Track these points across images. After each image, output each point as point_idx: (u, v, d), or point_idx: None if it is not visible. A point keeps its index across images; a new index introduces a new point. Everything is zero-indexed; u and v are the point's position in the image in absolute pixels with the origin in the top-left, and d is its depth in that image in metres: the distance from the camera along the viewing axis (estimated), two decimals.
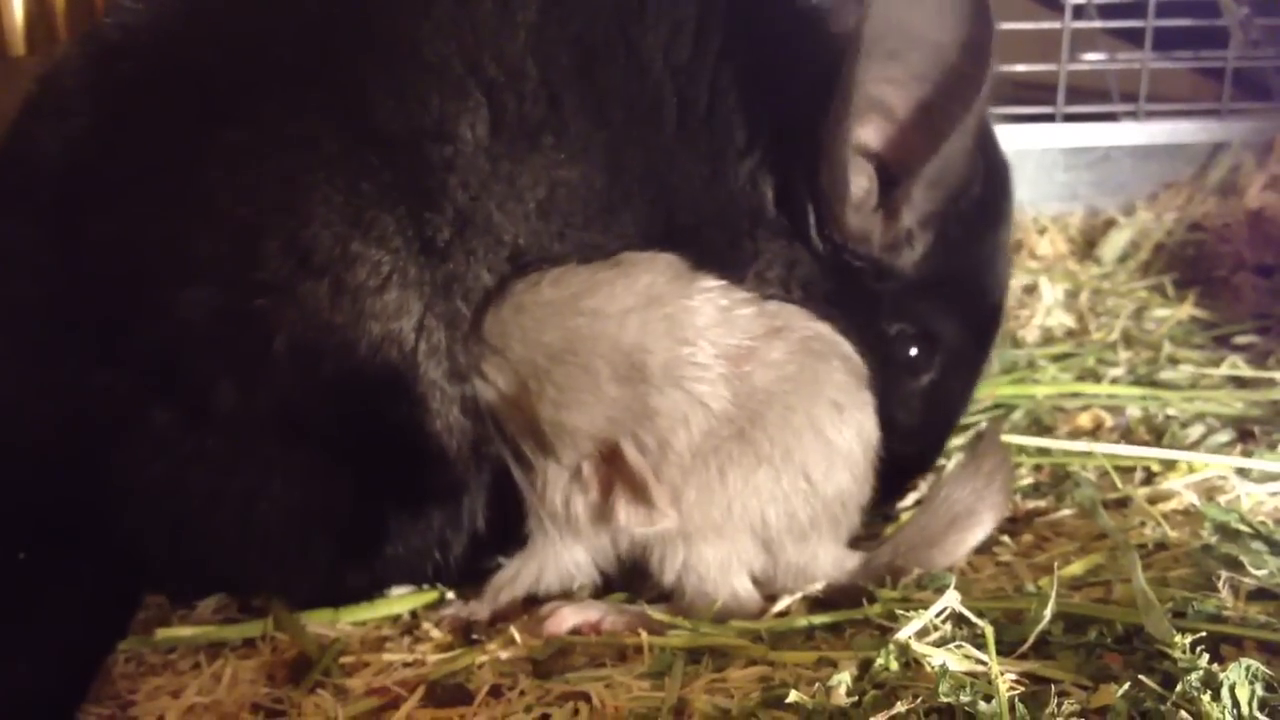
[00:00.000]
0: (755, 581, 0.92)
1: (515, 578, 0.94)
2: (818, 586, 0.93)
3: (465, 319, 0.90)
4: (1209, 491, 1.03)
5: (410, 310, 0.88)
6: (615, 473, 0.87)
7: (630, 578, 0.96)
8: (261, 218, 0.87)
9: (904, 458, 1.00)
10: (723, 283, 0.90)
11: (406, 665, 0.89)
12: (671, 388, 0.86)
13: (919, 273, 0.98)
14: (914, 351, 0.99)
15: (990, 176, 0.99)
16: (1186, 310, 1.44)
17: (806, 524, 0.91)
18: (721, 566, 0.91)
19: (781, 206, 0.96)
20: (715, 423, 0.88)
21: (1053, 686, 0.73)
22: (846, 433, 0.91)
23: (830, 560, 0.93)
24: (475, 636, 0.92)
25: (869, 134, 0.94)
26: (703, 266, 0.91)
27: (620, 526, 0.88)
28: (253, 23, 0.93)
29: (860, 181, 0.94)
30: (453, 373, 0.90)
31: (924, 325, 1.00)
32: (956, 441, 1.15)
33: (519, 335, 0.87)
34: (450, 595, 0.99)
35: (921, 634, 0.78)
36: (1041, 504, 1.07)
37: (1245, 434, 1.16)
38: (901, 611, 0.81)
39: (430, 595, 0.99)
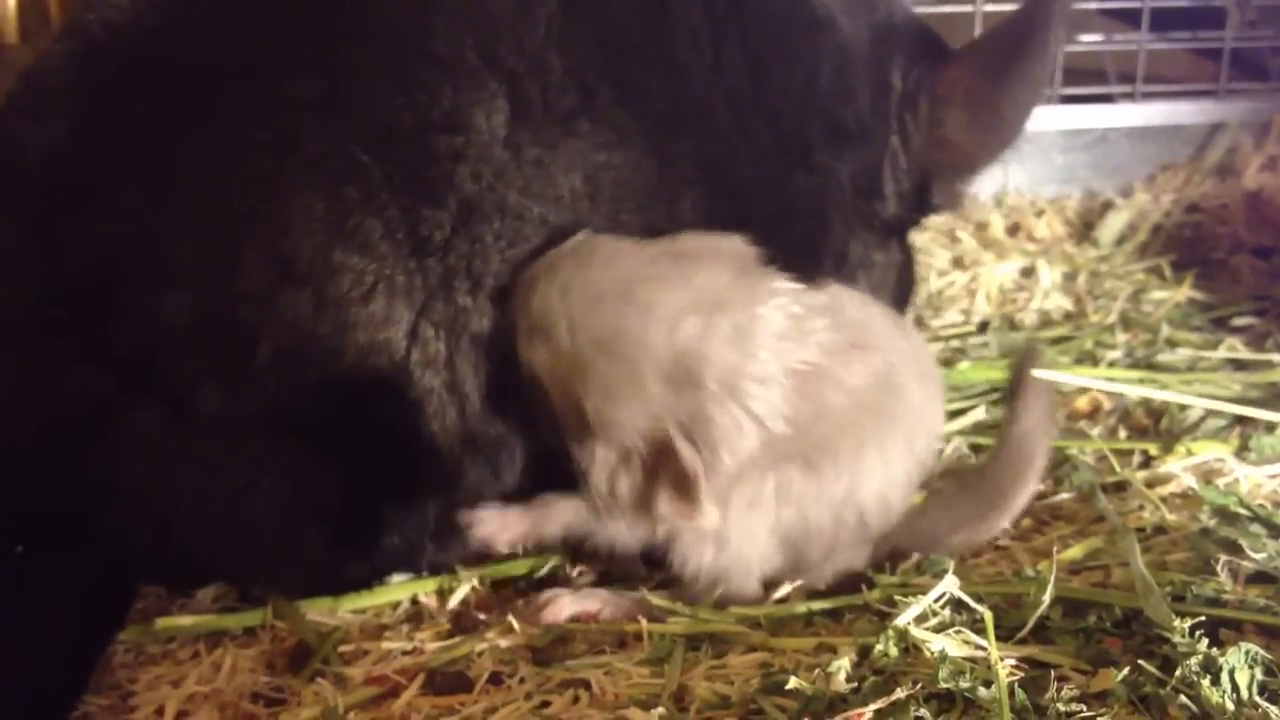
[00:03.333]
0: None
1: (572, 508, 0.90)
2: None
3: (471, 315, 0.88)
4: (1207, 475, 1.03)
5: (399, 319, 0.87)
6: (662, 463, 0.82)
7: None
8: (239, 226, 0.85)
9: None
10: (797, 285, 0.84)
11: (406, 653, 0.89)
12: (729, 399, 0.80)
13: None
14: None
15: None
16: (1184, 292, 1.44)
17: (843, 545, 0.90)
18: (745, 570, 0.89)
19: (858, 192, 1.01)
20: (775, 441, 0.82)
21: (1052, 671, 0.73)
22: (911, 464, 0.90)
23: (843, 563, 0.93)
24: (481, 617, 0.91)
25: None
26: (772, 259, 0.88)
27: (661, 515, 0.84)
28: (239, 19, 0.91)
29: None
30: (452, 385, 0.89)
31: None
32: (953, 426, 1.16)
33: (565, 323, 0.81)
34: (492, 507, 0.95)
35: (920, 619, 0.79)
36: (1040, 488, 1.06)
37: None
38: (900, 597, 0.81)
39: (430, 583, 0.98)
